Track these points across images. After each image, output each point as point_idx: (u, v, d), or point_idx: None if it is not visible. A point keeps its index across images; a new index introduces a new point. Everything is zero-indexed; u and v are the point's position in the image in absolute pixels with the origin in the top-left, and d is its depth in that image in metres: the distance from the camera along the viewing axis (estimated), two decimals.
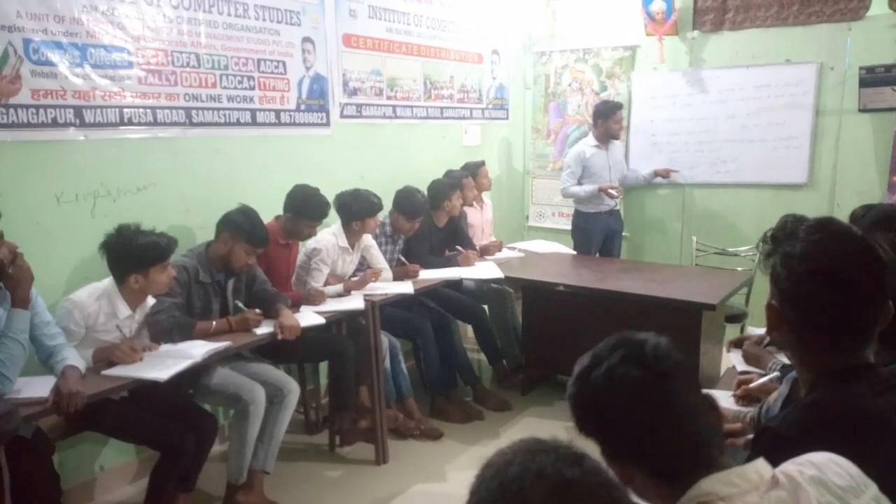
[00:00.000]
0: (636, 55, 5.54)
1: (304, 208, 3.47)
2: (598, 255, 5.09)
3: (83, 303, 2.66)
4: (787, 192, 5.06)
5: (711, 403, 1.06)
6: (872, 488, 0.99)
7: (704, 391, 1.06)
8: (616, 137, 5.11)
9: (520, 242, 5.21)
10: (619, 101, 5.31)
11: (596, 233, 5.07)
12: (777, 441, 1.09)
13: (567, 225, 5.43)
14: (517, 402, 4.19)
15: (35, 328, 2.41)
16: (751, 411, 1.84)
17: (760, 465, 0.98)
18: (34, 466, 2.34)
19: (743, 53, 5.13)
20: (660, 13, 5.26)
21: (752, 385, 2.01)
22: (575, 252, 5.08)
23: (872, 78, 4.59)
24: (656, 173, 5.21)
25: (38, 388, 2.32)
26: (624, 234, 5.42)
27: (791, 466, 0.99)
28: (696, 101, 5.34)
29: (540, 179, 6.11)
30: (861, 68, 4.58)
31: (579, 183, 5.01)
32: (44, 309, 2.50)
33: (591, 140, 5.07)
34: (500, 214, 5.94)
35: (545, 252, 4.90)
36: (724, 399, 2.01)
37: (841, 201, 4.82)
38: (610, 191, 4.91)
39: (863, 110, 4.67)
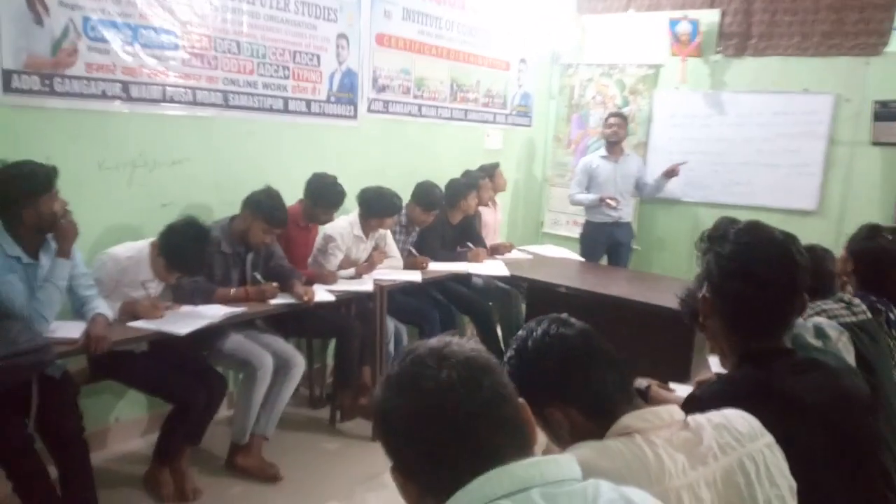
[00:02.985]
0: (659, 73, 5.70)
1: (321, 196, 3.69)
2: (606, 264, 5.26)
3: (118, 257, 2.92)
4: (796, 218, 5.17)
5: (621, 360, 1.25)
6: (768, 438, 1.17)
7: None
8: (609, 140, 5.20)
9: (530, 246, 5.39)
10: (623, 111, 5.48)
11: (599, 242, 5.24)
12: (698, 403, 1.28)
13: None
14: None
15: (72, 279, 2.66)
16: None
17: (673, 409, 1.17)
18: (62, 402, 2.58)
19: (763, 79, 5.27)
20: (685, 34, 5.42)
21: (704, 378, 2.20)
22: (583, 259, 5.25)
23: (886, 112, 4.72)
24: (665, 174, 5.21)
25: (70, 330, 2.58)
26: (635, 246, 5.57)
27: (702, 416, 1.19)
28: (714, 122, 5.49)
29: (558, 187, 6.27)
30: (876, 102, 4.71)
31: (586, 192, 5.19)
32: (81, 262, 2.75)
33: (601, 151, 5.25)
34: (516, 218, 6.13)
35: (554, 256, 5.07)
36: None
37: (848, 230, 4.88)
38: (608, 201, 5.07)
39: (875, 143, 4.80)
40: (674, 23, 5.43)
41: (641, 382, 2.12)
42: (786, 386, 1.31)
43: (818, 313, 2.26)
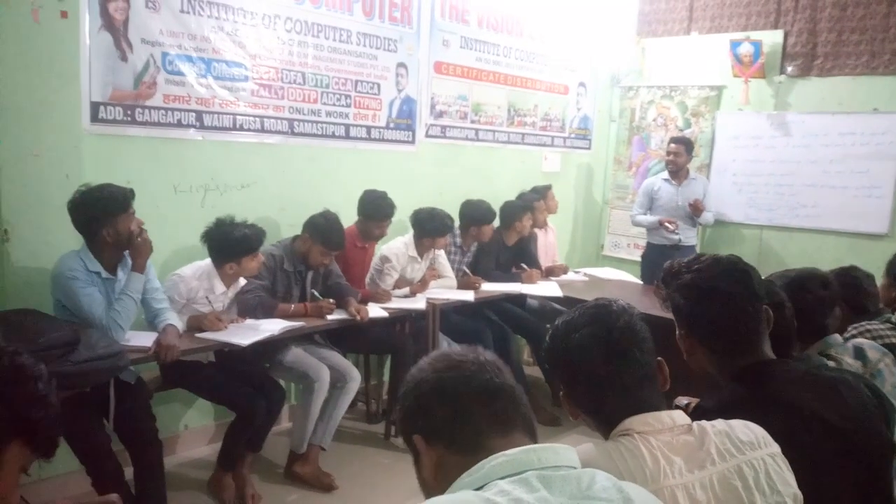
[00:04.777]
0: (722, 95, 5.65)
1: (372, 210, 3.87)
2: None
3: (187, 278, 3.15)
4: (865, 241, 5.02)
5: (662, 368, 1.30)
6: (773, 448, 1.21)
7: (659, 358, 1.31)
8: (669, 167, 5.18)
9: (587, 268, 5.40)
10: (683, 136, 5.43)
11: (659, 265, 5.15)
12: (703, 413, 1.32)
13: None
14: (567, 419, 4.38)
15: (146, 292, 2.89)
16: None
17: (676, 413, 1.23)
18: (136, 406, 2.81)
19: (829, 100, 5.16)
20: (747, 56, 5.37)
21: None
22: (641, 282, 5.22)
23: None
24: (692, 207, 5.10)
25: (143, 339, 2.81)
26: None
27: (708, 422, 1.23)
28: (778, 143, 5.39)
29: (618, 210, 6.27)
30: None
31: (647, 214, 5.19)
32: (154, 277, 2.98)
33: (664, 174, 5.24)
34: (575, 241, 6.15)
35: (610, 278, 5.08)
36: None
37: None
38: (666, 224, 5.04)
39: None
40: (735, 44, 5.39)
41: (681, 400, 2.15)
42: (786, 395, 1.35)
43: (861, 333, 2.24)
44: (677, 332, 1.54)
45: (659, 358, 1.30)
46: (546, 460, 0.95)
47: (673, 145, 5.17)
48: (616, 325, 1.26)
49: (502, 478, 0.92)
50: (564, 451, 0.99)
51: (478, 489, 0.92)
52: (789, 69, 5.33)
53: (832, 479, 1.30)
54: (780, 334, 1.60)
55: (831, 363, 1.91)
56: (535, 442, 1.02)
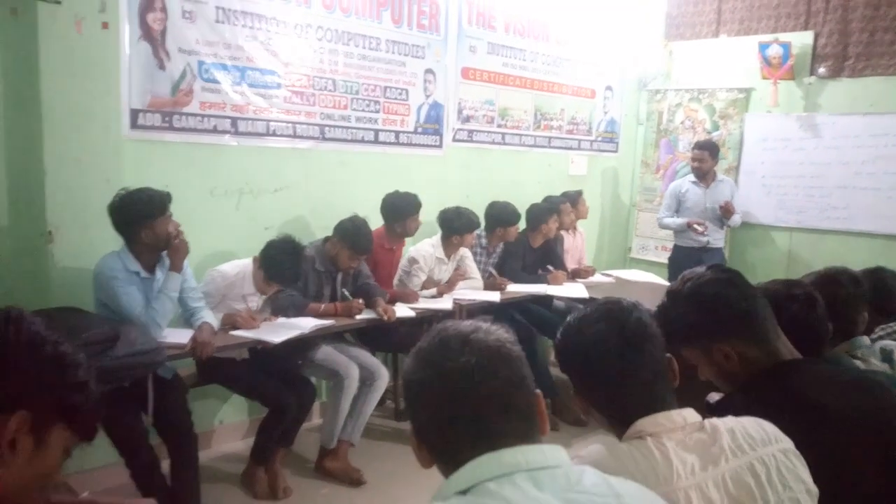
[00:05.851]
0: (750, 97, 5.63)
1: (395, 208, 3.96)
2: None
3: (225, 273, 3.28)
4: None
5: (672, 365, 1.32)
6: (785, 444, 1.21)
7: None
8: (695, 172, 5.19)
9: (614, 270, 5.40)
10: (709, 140, 5.43)
11: (686, 267, 5.16)
12: (717, 412, 1.35)
13: None
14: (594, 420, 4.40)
15: (183, 291, 3.01)
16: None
17: (687, 412, 1.23)
18: (173, 401, 2.92)
19: (861, 101, 5.11)
20: (776, 57, 5.35)
21: None
22: (669, 284, 5.20)
23: None
24: (722, 210, 5.14)
25: (180, 336, 2.93)
26: None
27: (719, 419, 1.24)
28: (808, 145, 5.35)
29: (646, 213, 6.27)
30: None
31: (675, 216, 5.18)
32: (191, 277, 3.10)
33: (691, 176, 5.23)
34: (602, 244, 6.17)
35: (637, 280, 5.08)
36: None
37: None
38: (695, 226, 5.03)
39: None
40: (764, 46, 5.37)
41: (713, 396, 2.17)
42: (807, 393, 1.36)
43: (889, 335, 2.24)
44: (688, 358, 1.55)
45: (669, 354, 1.32)
46: (534, 461, 0.95)
47: (696, 151, 5.17)
48: (628, 321, 1.27)
49: (490, 479, 0.92)
50: (552, 451, 0.98)
51: (464, 491, 0.92)
52: (820, 70, 5.29)
53: (857, 477, 1.31)
54: (812, 332, 1.62)
55: (859, 363, 1.91)
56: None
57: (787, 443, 1.23)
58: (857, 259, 5.10)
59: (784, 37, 5.33)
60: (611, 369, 1.25)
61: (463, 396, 0.98)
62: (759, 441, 1.21)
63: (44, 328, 0.97)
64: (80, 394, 0.98)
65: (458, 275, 4.16)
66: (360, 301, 3.60)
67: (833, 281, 1.96)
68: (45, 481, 0.99)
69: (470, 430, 0.97)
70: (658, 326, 1.44)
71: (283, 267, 3.24)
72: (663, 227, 5.38)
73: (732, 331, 1.48)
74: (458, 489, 0.93)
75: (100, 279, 2.81)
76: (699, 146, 5.21)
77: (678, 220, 5.17)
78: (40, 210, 2.95)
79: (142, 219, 2.82)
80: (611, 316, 1.29)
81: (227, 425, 3.89)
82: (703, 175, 5.15)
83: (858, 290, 2.04)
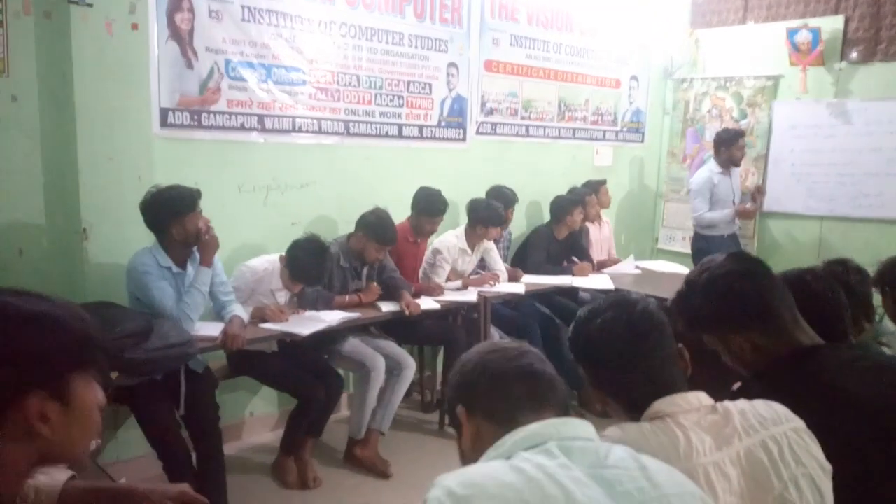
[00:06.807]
0: (779, 84, 5.54)
1: (426, 206, 3.98)
2: None
3: (255, 268, 3.35)
4: None
5: (682, 354, 1.36)
6: (795, 423, 1.25)
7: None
8: (737, 164, 5.17)
9: (641, 261, 5.37)
10: (741, 129, 5.38)
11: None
12: (734, 398, 1.36)
13: None
14: None
15: (213, 285, 3.08)
16: None
17: (701, 395, 1.28)
18: (203, 394, 2.99)
19: (894, 85, 5.00)
20: (805, 43, 5.26)
21: None
22: None
23: None
24: (752, 196, 5.36)
25: (211, 329, 3.00)
26: None
27: (730, 402, 1.28)
28: (839, 132, 5.26)
29: (672, 203, 6.22)
30: None
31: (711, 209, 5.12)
32: (221, 271, 3.17)
33: (715, 167, 5.17)
34: (629, 235, 6.13)
35: (663, 271, 5.05)
36: None
37: None
38: (746, 207, 5.15)
39: None
40: (792, 32, 5.28)
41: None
42: (825, 378, 1.37)
43: None
44: (706, 338, 1.57)
45: (680, 345, 1.36)
46: (565, 432, 1.05)
47: (741, 140, 5.14)
48: (636, 310, 1.33)
49: (525, 449, 1.02)
50: (581, 425, 1.08)
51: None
52: (852, 55, 5.18)
53: (874, 461, 1.32)
54: (833, 311, 1.63)
55: (885, 349, 1.91)
56: None
57: (799, 422, 1.26)
58: (891, 247, 5.02)
59: (813, 22, 5.24)
60: (618, 356, 1.31)
61: (524, 370, 1.15)
62: (770, 421, 1.25)
63: (20, 301, 0.98)
64: (77, 346, 1.00)
65: (490, 276, 4.19)
66: (376, 284, 3.66)
67: (835, 272, 1.97)
68: (90, 434, 1.04)
69: (524, 395, 1.13)
70: (677, 314, 1.44)
71: (308, 267, 3.31)
72: (706, 224, 5.14)
73: (746, 325, 1.50)
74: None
75: (132, 274, 2.89)
76: (742, 134, 5.18)
77: (725, 212, 5.09)
78: (75, 208, 3.03)
79: (172, 215, 2.89)
80: (617, 306, 1.35)
81: (257, 417, 3.98)
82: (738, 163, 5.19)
83: (864, 278, 2.05)
